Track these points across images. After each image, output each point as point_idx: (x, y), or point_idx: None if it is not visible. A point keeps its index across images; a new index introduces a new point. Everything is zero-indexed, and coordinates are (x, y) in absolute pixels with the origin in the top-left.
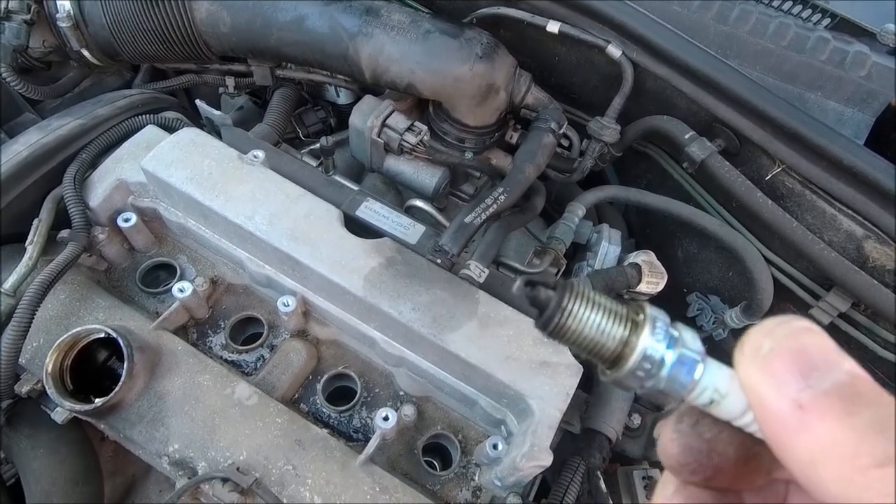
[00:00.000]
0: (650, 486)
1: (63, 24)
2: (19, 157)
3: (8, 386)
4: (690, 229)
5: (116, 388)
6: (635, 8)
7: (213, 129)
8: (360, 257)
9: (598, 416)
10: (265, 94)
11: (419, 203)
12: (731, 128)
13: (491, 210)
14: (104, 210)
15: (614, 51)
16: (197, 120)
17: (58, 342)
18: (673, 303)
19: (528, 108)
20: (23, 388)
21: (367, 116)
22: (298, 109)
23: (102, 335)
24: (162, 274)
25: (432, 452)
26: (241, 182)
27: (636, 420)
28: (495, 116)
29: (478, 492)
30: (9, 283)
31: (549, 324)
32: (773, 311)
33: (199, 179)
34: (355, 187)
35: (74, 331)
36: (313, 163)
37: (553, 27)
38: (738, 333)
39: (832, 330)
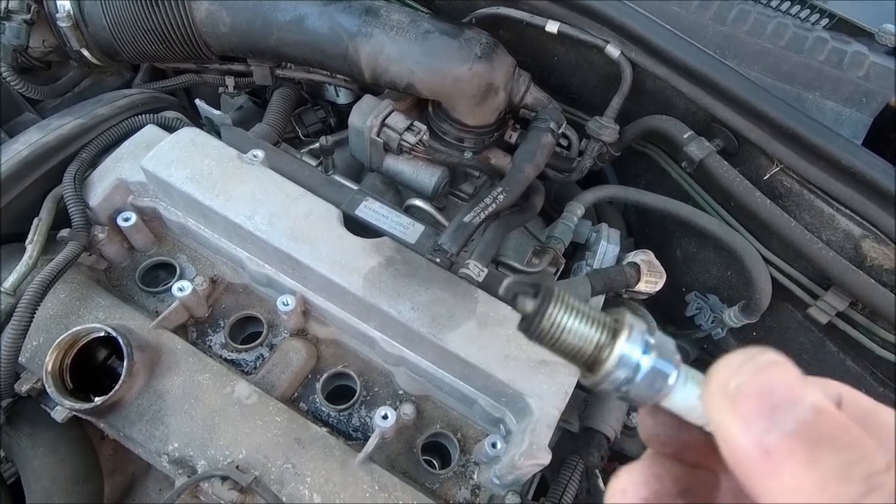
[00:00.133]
0: None
1: (63, 24)
2: (19, 156)
3: (8, 385)
4: (689, 229)
5: (116, 387)
6: (634, 8)
7: (213, 129)
8: (359, 257)
9: (597, 414)
10: (265, 94)
11: (418, 202)
12: (730, 128)
13: (490, 209)
14: (104, 209)
15: (613, 51)
16: (196, 119)
17: (58, 341)
18: (672, 302)
19: (528, 108)
20: (23, 387)
21: (366, 116)
22: (298, 109)
23: (102, 334)
24: (161, 273)
25: (431, 451)
26: (240, 182)
27: (635, 419)
28: (494, 116)
29: (477, 490)
30: (9, 282)
31: (530, 328)
32: (771, 310)
33: (199, 179)
34: (355, 187)
35: (74, 330)
36: (313, 162)
37: (552, 27)
38: (736, 332)
39: (830, 329)
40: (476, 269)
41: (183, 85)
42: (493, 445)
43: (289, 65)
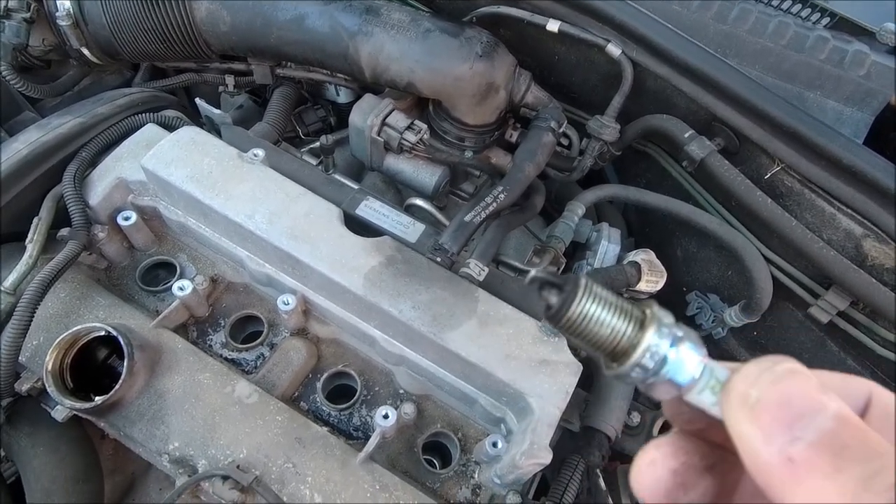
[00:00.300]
0: None
1: (63, 23)
2: (19, 155)
3: (8, 384)
4: (690, 228)
5: (117, 387)
6: (635, 7)
7: (213, 128)
8: (360, 256)
9: (598, 414)
10: (265, 93)
11: (419, 202)
12: (731, 127)
13: (491, 209)
14: (104, 208)
15: (614, 50)
16: (197, 118)
17: (58, 340)
18: (672, 301)
19: (528, 107)
20: (23, 387)
21: (367, 115)
22: (298, 108)
23: (103, 333)
24: (162, 272)
25: (432, 450)
26: (241, 181)
27: (636, 418)
28: (495, 115)
29: (477, 490)
30: (9, 281)
31: (560, 318)
32: (772, 309)
33: (199, 178)
34: (355, 186)
35: (75, 329)
36: (313, 161)
37: (553, 26)
38: (737, 332)
39: (831, 328)
40: (477, 268)
41: (183, 84)
42: (494, 445)
43: (289, 64)
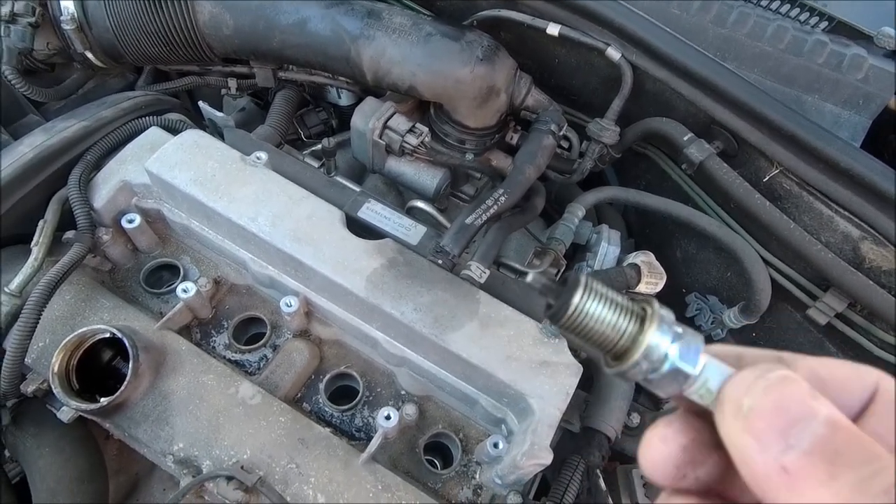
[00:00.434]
0: (649, 484)
1: (67, 27)
2: (24, 158)
3: (14, 385)
4: (689, 230)
5: (122, 388)
6: (634, 11)
7: (216, 131)
8: (362, 258)
9: (598, 414)
10: (267, 96)
11: (420, 204)
12: (730, 130)
13: (491, 211)
14: (108, 211)
15: (614, 53)
16: (199, 121)
17: (64, 342)
18: (672, 303)
19: (529, 110)
20: (28, 388)
21: (368, 118)
22: (300, 111)
23: (108, 335)
24: (165, 274)
25: (433, 451)
26: (244, 183)
27: (635, 419)
28: (496, 118)
29: (479, 490)
30: (14, 283)
31: (560, 317)
32: (770, 311)
33: (203, 181)
34: (357, 188)
35: (80, 331)
36: (315, 164)
37: (553, 30)
38: (736, 333)
39: (829, 330)
40: (478, 270)
41: (186, 87)
42: (495, 445)
43: (291, 67)
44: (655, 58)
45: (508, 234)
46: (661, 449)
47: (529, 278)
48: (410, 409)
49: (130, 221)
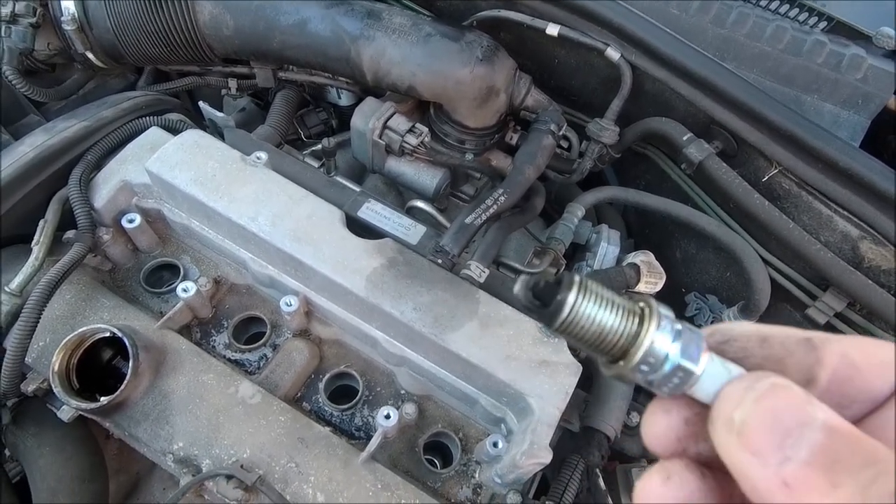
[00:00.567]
0: None
1: (68, 28)
2: (26, 158)
3: (14, 385)
4: (688, 230)
5: (122, 387)
6: (634, 11)
7: (216, 131)
8: (361, 258)
9: (597, 414)
10: (267, 96)
11: (420, 204)
12: (729, 130)
13: (491, 211)
14: (109, 211)
15: (613, 53)
16: (200, 121)
17: (64, 341)
18: (671, 303)
19: (528, 110)
20: (29, 387)
21: (368, 118)
22: (300, 111)
23: (108, 334)
24: (165, 274)
25: (433, 450)
26: (244, 183)
27: (635, 418)
28: (495, 118)
29: (478, 489)
30: (15, 283)
31: (555, 320)
32: (770, 310)
33: (203, 181)
34: (357, 188)
35: (80, 330)
36: (315, 164)
37: (552, 30)
38: None
39: (829, 330)
40: (478, 269)
41: (186, 87)
42: (495, 445)
43: (291, 67)
44: (655, 58)
45: (508, 233)
46: (663, 420)
47: (520, 280)
48: (410, 409)
49: (131, 221)
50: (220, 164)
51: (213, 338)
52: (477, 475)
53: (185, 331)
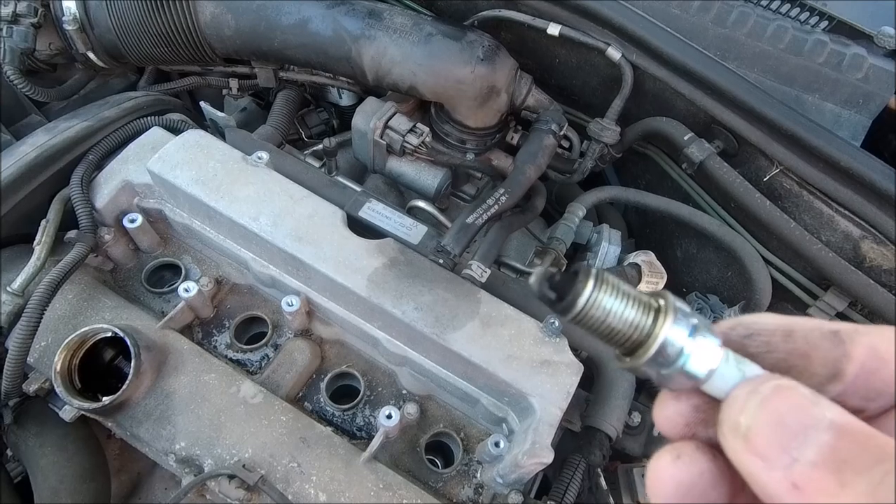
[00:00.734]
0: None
1: (69, 27)
2: (27, 158)
3: (16, 385)
4: (689, 229)
5: (124, 387)
6: (635, 11)
7: (217, 131)
8: (363, 258)
9: (599, 414)
10: (268, 96)
11: (421, 204)
12: (730, 129)
13: (492, 211)
14: (110, 211)
15: (614, 53)
16: (201, 121)
17: (66, 341)
18: None
19: (529, 110)
20: (31, 387)
21: (369, 118)
22: (301, 111)
23: (110, 334)
24: (167, 274)
25: (435, 450)
26: (245, 183)
27: (636, 418)
28: (496, 118)
29: (480, 489)
30: (17, 283)
31: (571, 311)
32: (771, 310)
33: (205, 181)
34: (358, 188)
35: (82, 330)
36: (316, 164)
37: (553, 30)
38: None
39: None
40: (479, 269)
41: (187, 87)
42: (496, 444)
43: (292, 67)
44: (656, 57)
45: (509, 233)
46: (673, 405)
47: (537, 271)
48: (411, 409)
49: (132, 221)
50: (221, 163)
51: (215, 338)
52: (478, 475)
53: (186, 331)
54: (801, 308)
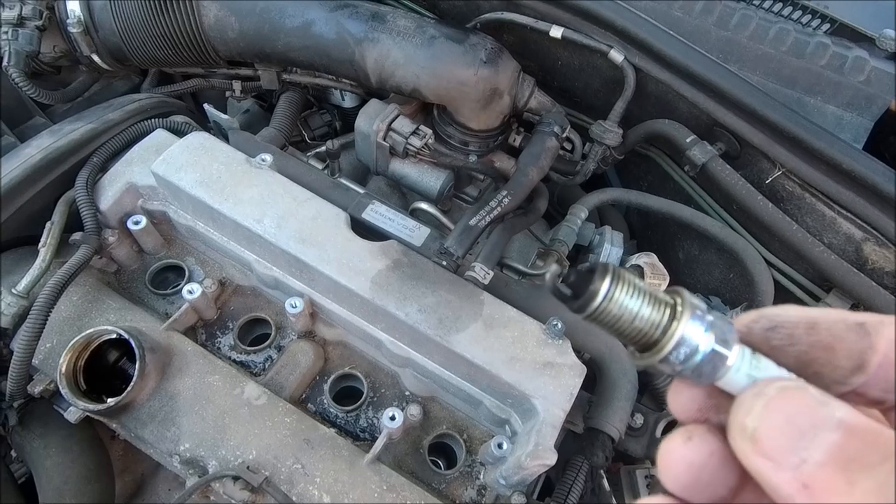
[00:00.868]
0: (653, 485)
1: (74, 30)
2: (32, 160)
3: (21, 386)
4: (691, 231)
5: (129, 388)
6: (637, 13)
7: (221, 133)
8: (366, 259)
9: (601, 415)
10: (271, 98)
11: (424, 206)
12: (732, 132)
13: (495, 213)
14: (114, 213)
15: (616, 55)
16: (204, 123)
17: (71, 343)
18: None
19: (532, 112)
20: (35, 389)
21: (372, 120)
22: (304, 113)
23: (114, 336)
24: (171, 275)
25: (438, 452)
26: (249, 185)
27: (639, 420)
28: (499, 120)
29: (483, 490)
30: (22, 284)
31: (588, 308)
32: None
33: (209, 183)
34: (361, 190)
35: (87, 332)
36: (319, 166)
37: (556, 32)
38: None
39: None
40: (482, 271)
41: (191, 89)
42: (499, 446)
43: (295, 69)
44: (658, 60)
45: (512, 235)
46: (687, 391)
47: (552, 269)
48: (415, 410)
49: (136, 223)
50: (225, 166)
51: (219, 339)
52: (481, 476)
53: (190, 332)
54: None
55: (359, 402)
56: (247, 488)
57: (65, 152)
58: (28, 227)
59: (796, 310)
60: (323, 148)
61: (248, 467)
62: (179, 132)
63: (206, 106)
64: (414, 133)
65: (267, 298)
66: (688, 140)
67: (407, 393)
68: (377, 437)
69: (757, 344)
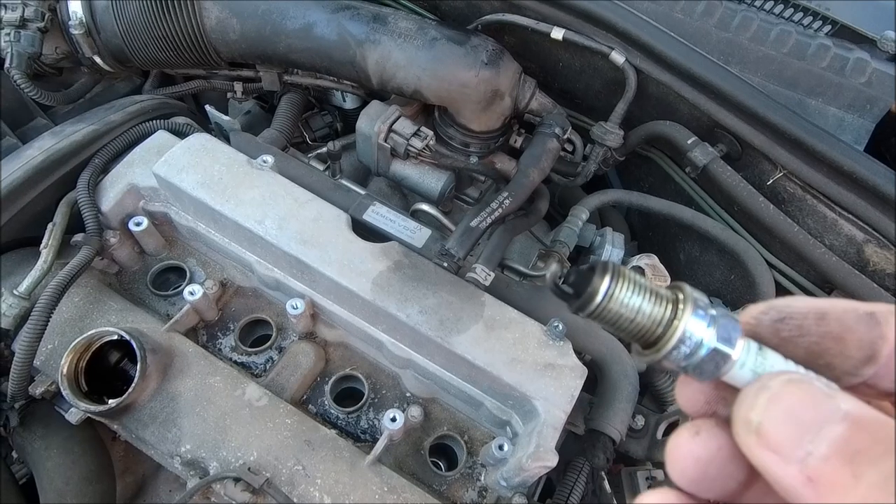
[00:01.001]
0: (654, 486)
1: (76, 32)
2: (34, 161)
3: (22, 387)
4: (692, 233)
5: (130, 390)
6: (638, 15)
7: (222, 134)
8: (367, 261)
9: (602, 417)
10: (272, 99)
11: (425, 207)
12: (733, 133)
13: (496, 214)
14: (116, 214)
15: (618, 57)
16: (205, 125)
17: (73, 344)
18: None
19: (533, 114)
20: (37, 390)
21: (373, 121)
22: (305, 114)
23: (116, 337)
24: (172, 277)
25: (438, 453)
26: (250, 186)
27: (640, 421)
28: (500, 121)
29: (483, 492)
30: (24, 286)
31: (589, 307)
32: None
33: (210, 184)
34: (362, 191)
35: (89, 333)
36: (320, 167)
37: (557, 34)
38: None
39: None
40: (483, 273)
41: (192, 90)
42: (500, 447)
43: (297, 71)
44: (659, 61)
45: (513, 236)
46: (694, 384)
47: (552, 269)
48: (415, 411)
49: (138, 224)
50: (226, 167)
51: (220, 340)
52: (482, 478)
53: (191, 333)
54: None
55: (360, 404)
56: (248, 490)
57: (66, 154)
58: (30, 229)
59: (805, 300)
60: (324, 149)
61: (249, 469)
62: (181, 133)
63: (207, 107)
64: (415, 134)
65: (268, 300)
66: (689, 142)
67: (408, 394)
68: (378, 439)
69: (766, 336)
